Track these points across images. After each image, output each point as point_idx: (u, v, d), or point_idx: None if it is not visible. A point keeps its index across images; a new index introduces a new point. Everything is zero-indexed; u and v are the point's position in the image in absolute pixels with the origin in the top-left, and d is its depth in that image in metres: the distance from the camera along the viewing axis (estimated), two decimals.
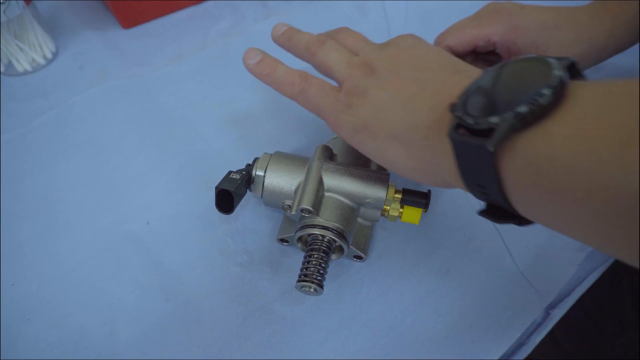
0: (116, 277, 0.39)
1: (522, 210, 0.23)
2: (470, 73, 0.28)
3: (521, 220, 0.24)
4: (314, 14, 0.61)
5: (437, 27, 0.50)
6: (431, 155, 0.28)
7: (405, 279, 0.39)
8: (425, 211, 0.37)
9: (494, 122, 0.21)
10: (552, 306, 0.39)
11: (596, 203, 0.19)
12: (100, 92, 0.51)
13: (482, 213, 0.26)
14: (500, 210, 0.25)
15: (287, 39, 0.39)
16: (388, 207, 0.37)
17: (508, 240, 0.41)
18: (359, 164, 0.38)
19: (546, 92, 0.20)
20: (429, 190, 0.37)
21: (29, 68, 0.52)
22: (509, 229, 0.42)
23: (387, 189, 0.35)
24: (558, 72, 0.21)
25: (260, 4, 0.62)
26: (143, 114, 0.50)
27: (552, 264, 0.40)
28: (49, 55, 0.53)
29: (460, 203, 0.44)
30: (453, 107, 0.24)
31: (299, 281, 0.33)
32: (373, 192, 0.35)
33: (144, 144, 0.47)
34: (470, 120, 0.22)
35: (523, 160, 0.21)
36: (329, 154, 0.38)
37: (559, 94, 0.21)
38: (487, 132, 0.21)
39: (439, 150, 0.26)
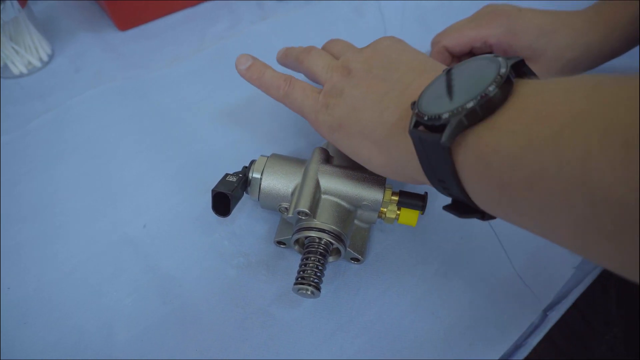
0: (114, 280, 0.39)
1: (480, 203, 0.24)
2: (437, 73, 0.29)
3: (483, 215, 0.25)
4: (311, 15, 0.61)
5: (434, 27, 0.50)
6: (397, 152, 0.29)
7: (402, 281, 0.39)
8: (422, 213, 0.37)
9: (445, 118, 0.22)
10: (549, 308, 0.39)
11: (536, 194, 0.20)
12: (97, 95, 0.51)
13: (447, 208, 0.27)
14: (463, 205, 0.26)
15: (284, 55, 0.43)
16: (385, 210, 0.37)
17: (505, 242, 0.41)
18: (356, 167, 0.38)
19: (492, 88, 0.22)
20: (426, 193, 0.37)
21: (24, 71, 0.52)
22: (506, 232, 0.42)
23: (384, 192, 0.35)
24: (504, 69, 0.22)
25: (256, 5, 0.62)
26: (140, 116, 0.50)
27: (549, 266, 0.40)
28: (45, 58, 0.53)
29: None
30: (413, 105, 0.26)
31: (296, 284, 0.33)
32: (370, 194, 0.35)
33: (141, 146, 0.47)
34: (425, 118, 0.24)
35: (474, 155, 0.22)
36: (325, 157, 0.38)
37: (506, 91, 0.22)
38: (442, 128, 0.22)
39: (403, 147, 0.28)
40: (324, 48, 0.40)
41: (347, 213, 0.36)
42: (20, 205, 0.43)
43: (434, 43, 0.47)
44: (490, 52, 0.44)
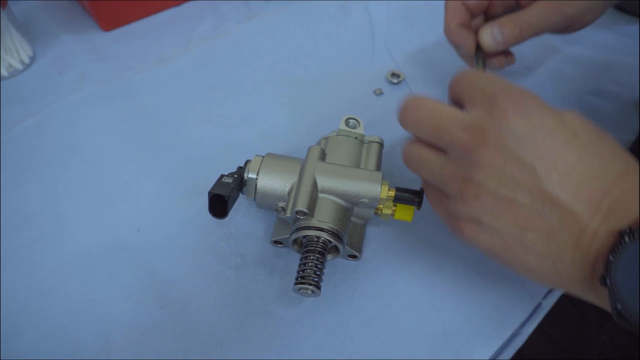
0: (108, 287, 0.38)
1: None
2: (615, 217, 0.24)
3: None
4: (297, 13, 0.61)
5: (420, 26, 0.51)
6: (572, 286, 0.27)
7: (399, 277, 0.40)
8: (419, 209, 0.37)
9: None
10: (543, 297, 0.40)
11: None
12: (82, 98, 0.50)
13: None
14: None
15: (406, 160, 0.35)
16: (381, 206, 0.37)
17: None
18: (352, 164, 0.38)
19: None
20: (422, 189, 0.37)
21: (5, 73, 0.51)
22: None
23: (381, 188, 0.36)
24: None
25: (242, 4, 0.62)
26: (127, 119, 0.49)
27: None
28: (27, 60, 0.52)
29: None
30: (603, 281, 0.23)
31: (296, 283, 0.33)
32: (367, 191, 0.35)
33: (130, 150, 0.46)
34: (631, 319, 0.22)
35: None
36: (321, 155, 0.38)
37: None
38: None
39: (584, 289, 0.26)
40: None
41: (344, 211, 0.36)
42: (5, 215, 0.41)
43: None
44: (508, 51, 0.43)
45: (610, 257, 0.23)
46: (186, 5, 0.61)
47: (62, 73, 0.52)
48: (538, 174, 0.25)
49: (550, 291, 0.40)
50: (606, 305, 0.24)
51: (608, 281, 0.23)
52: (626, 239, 0.23)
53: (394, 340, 0.36)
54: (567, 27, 0.43)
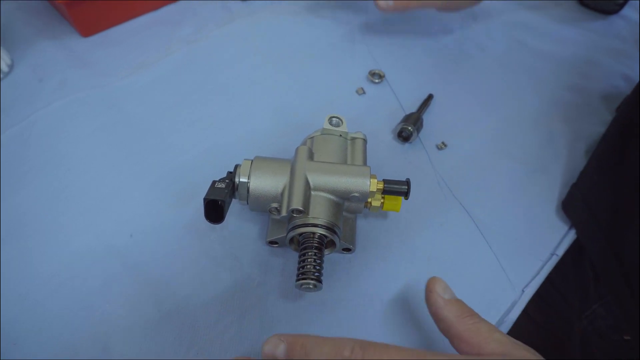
0: (103, 293, 0.38)
1: None
2: None
3: None
4: (277, 15, 0.61)
5: (399, 26, 0.52)
6: None
7: (390, 269, 0.41)
8: (407, 198, 0.39)
9: None
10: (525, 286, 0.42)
11: None
12: (64, 106, 0.50)
13: None
14: None
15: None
16: (370, 199, 0.38)
17: (483, 228, 0.44)
18: (339, 160, 0.39)
19: None
20: (408, 179, 0.38)
21: None
22: (484, 217, 0.45)
23: (370, 182, 0.37)
24: None
25: (221, 6, 0.62)
26: (111, 127, 0.49)
27: (525, 253, 0.44)
28: (5, 68, 0.51)
29: (435, 194, 0.46)
30: None
31: (298, 280, 0.34)
32: (358, 186, 0.37)
33: (116, 158, 0.46)
34: None
35: None
36: (309, 154, 0.39)
37: None
38: None
39: None
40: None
41: (337, 206, 0.37)
42: None
43: None
44: None
45: None
46: (165, 9, 0.61)
47: (42, 81, 0.52)
48: None
49: (531, 280, 0.43)
50: None
51: None
52: None
53: (390, 330, 0.38)
54: (446, 7, 0.56)
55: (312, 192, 0.37)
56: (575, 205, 0.46)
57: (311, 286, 0.33)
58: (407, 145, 0.50)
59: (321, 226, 0.35)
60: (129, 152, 0.47)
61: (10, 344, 0.35)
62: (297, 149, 0.39)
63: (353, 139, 0.42)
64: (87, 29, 0.56)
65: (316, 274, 0.34)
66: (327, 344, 0.28)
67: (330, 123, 0.43)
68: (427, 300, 0.33)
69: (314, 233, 0.35)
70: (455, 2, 0.56)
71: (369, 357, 0.27)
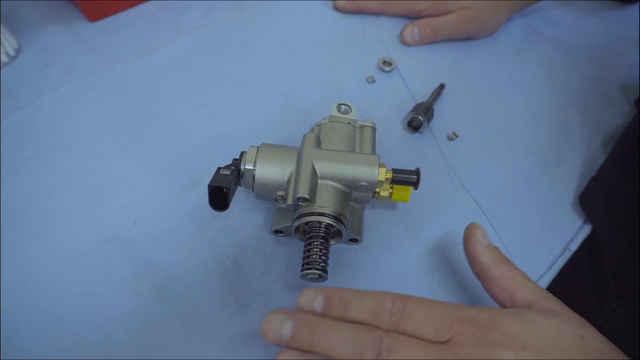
0: (105, 280, 0.38)
1: None
2: None
3: None
4: (286, 1, 0.60)
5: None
6: None
7: (397, 261, 0.40)
8: (416, 188, 0.37)
9: None
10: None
11: None
12: (71, 90, 0.49)
13: None
14: None
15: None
16: (379, 189, 0.37)
17: (494, 220, 0.43)
18: (347, 148, 0.38)
19: None
20: (418, 168, 0.37)
21: None
22: (494, 209, 0.44)
23: (379, 171, 0.36)
24: None
25: None
26: (118, 111, 0.48)
27: (536, 247, 0.42)
28: (12, 53, 0.51)
29: (445, 185, 0.45)
30: None
31: (302, 270, 0.33)
32: (366, 175, 0.36)
33: (122, 143, 0.46)
34: None
35: None
36: (316, 142, 0.38)
37: None
38: None
39: None
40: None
41: (344, 195, 0.36)
42: None
43: None
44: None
45: None
46: None
47: (49, 65, 0.51)
48: None
49: (542, 275, 0.41)
50: None
51: None
52: None
53: None
54: (469, 36, 0.57)
55: (319, 181, 0.36)
56: (593, 199, 0.44)
57: (316, 276, 0.33)
58: (417, 135, 0.49)
59: (328, 215, 0.34)
60: (135, 138, 0.46)
61: (12, 329, 0.35)
62: (304, 136, 0.38)
63: (362, 127, 0.41)
64: (95, 13, 0.55)
65: (322, 264, 0.33)
66: (368, 296, 0.28)
67: (339, 110, 0.42)
68: (466, 243, 0.34)
69: (320, 222, 0.34)
70: (478, 32, 0.57)
71: (410, 308, 0.28)
